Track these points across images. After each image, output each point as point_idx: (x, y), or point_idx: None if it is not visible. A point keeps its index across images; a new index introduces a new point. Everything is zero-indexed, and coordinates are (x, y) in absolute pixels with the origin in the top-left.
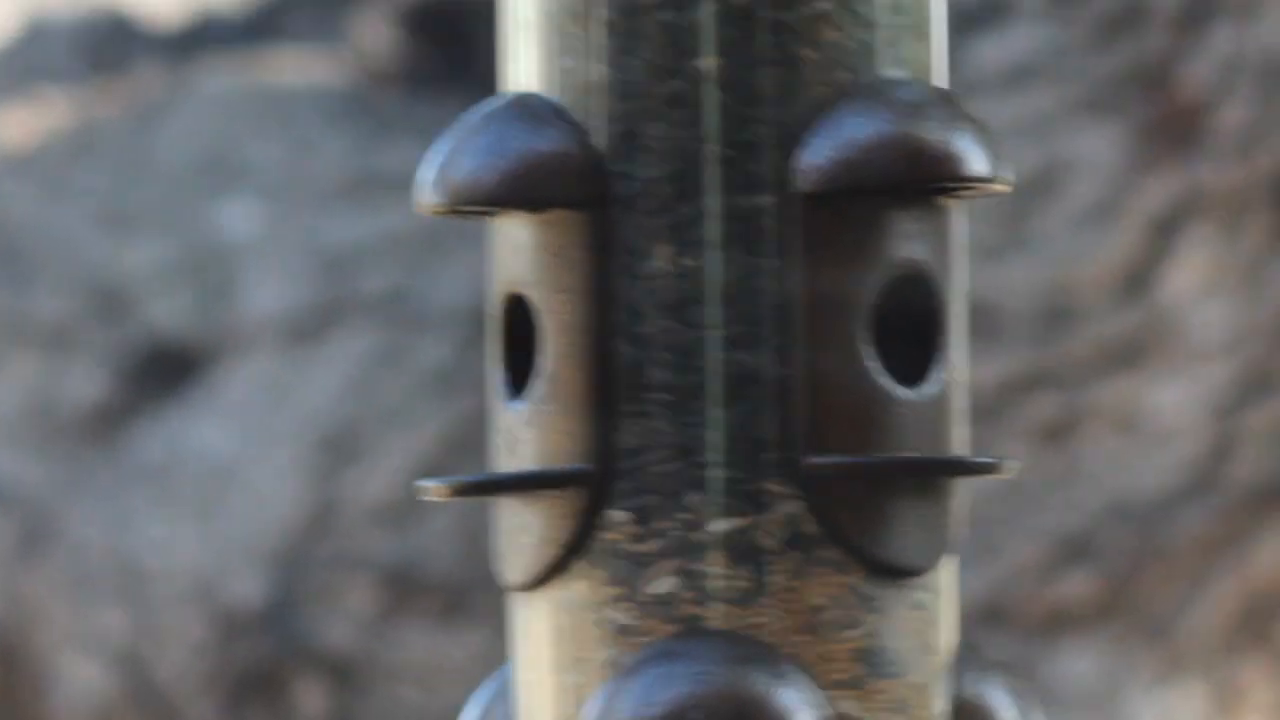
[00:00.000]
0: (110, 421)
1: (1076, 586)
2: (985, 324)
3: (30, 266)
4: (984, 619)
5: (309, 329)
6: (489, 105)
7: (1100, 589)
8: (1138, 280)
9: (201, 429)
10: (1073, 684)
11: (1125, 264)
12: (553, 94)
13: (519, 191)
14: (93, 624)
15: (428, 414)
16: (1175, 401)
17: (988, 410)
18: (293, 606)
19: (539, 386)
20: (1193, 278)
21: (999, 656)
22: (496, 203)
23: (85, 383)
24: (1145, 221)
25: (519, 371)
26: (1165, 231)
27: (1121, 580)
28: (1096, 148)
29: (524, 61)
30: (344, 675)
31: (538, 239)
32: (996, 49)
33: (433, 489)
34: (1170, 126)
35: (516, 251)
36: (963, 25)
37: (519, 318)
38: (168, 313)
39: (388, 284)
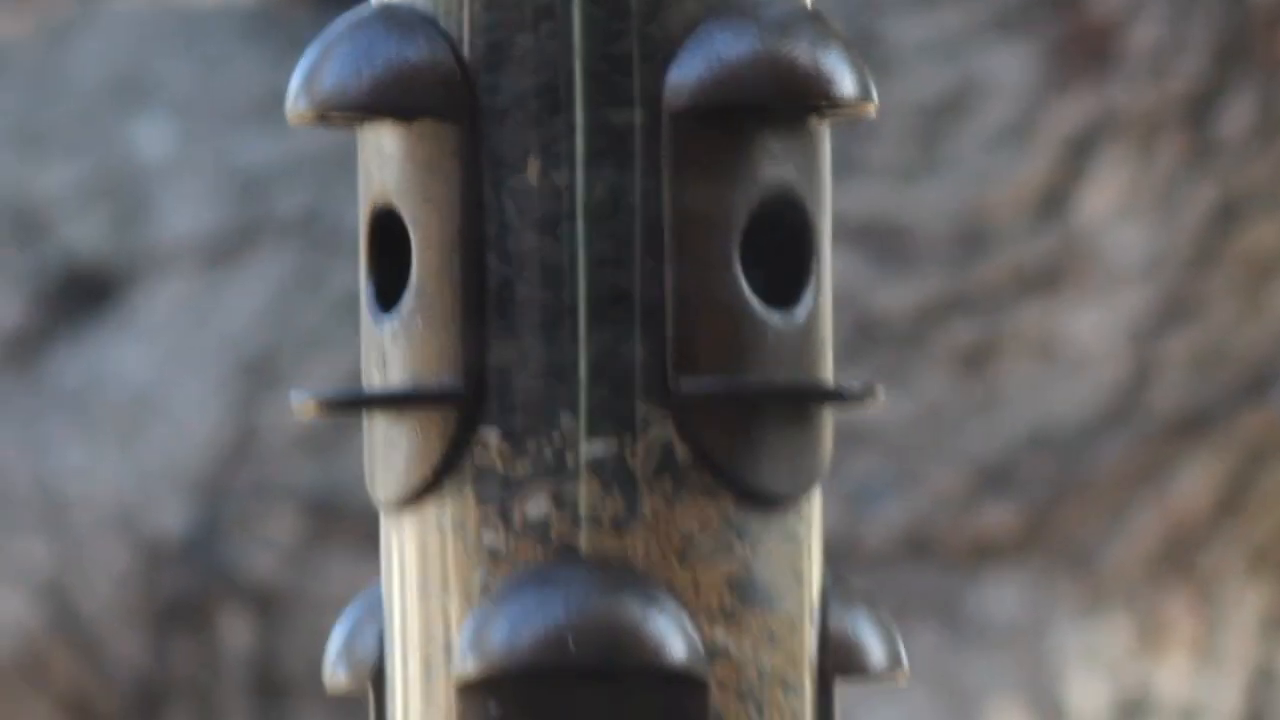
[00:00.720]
0: (27, 346)
1: (998, 516)
2: (900, 248)
3: None
4: (906, 550)
5: (226, 251)
6: (356, 13)
7: (1022, 519)
8: (1053, 203)
9: (120, 353)
10: (997, 615)
11: (1040, 186)
12: (421, 2)
13: (387, 100)
14: (14, 553)
15: (347, 337)
16: (1093, 327)
17: (904, 336)
18: (216, 535)
19: (408, 301)
20: (1108, 200)
21: (861, 585)
22: (364, 111)
23: (1, 307)
24: (1059, 143)
25: (389, 286)
26: (1079, 153)
27: (1043, 510)
28: (1008, 68)
29: None
30: (268, 605)
31: (406, 149)
32: None
33: (301, 404)
34: (1082, 46)
35: (384, 163)
36: None
37: (388, 231)
38: (83, 235)
39: (303, 204)
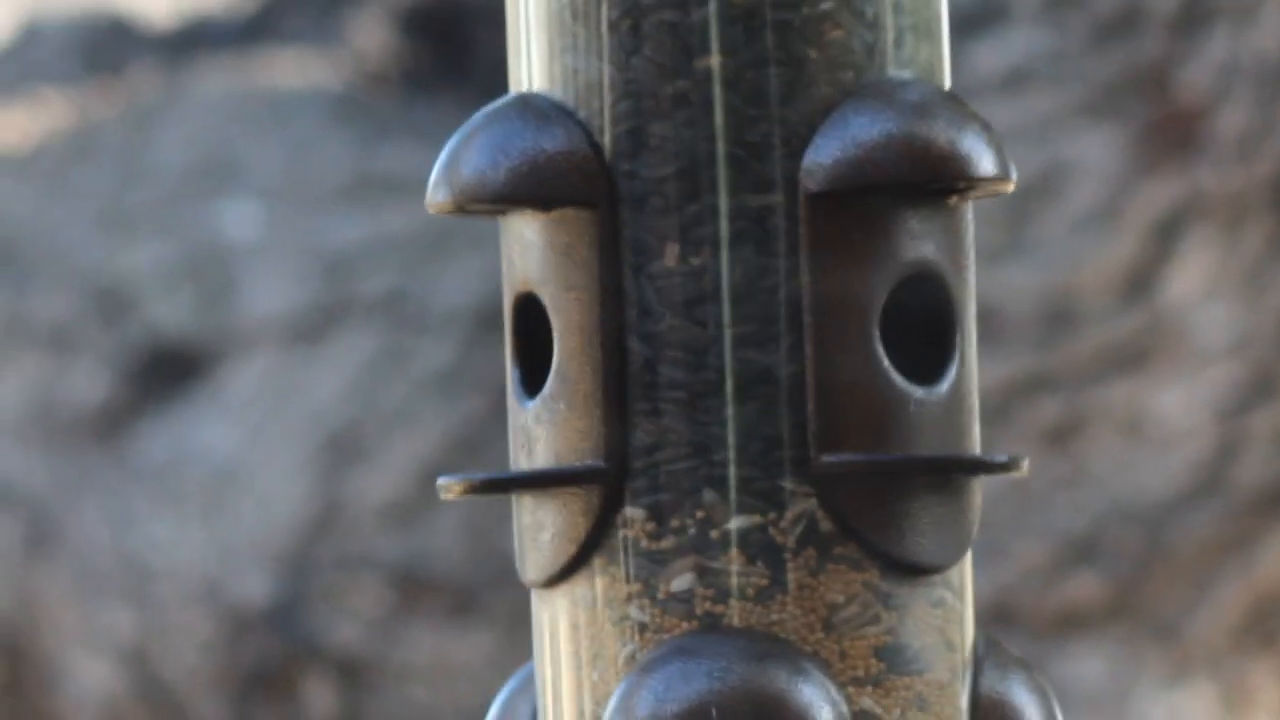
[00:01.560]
0: (113, 422)
1: (1084, 588)
2: (988, 327)
3: (30, 268)
4: (992, 621)
5: (310, 330)
6: (494, 105)
7: (1108, 590)
8: (1139, 284)
9: (205, 429)
10: (1082, 685)
11: (1127, 267)
12: (557, 93)
13: (526, 189)
14: (99, 623)
15: (430, 415)
16: (1179, 404)
17: (992, 413)
18: (299, 606)
19: (551, 385)
20: (1194, 281)
21: (1020, 653)
22: (504, 201)
23: (88, 383)
24: (1146, 225)
25: (532, 370)
26: (1166, 235)
27: (1129, 582)
28: (1096, 152)
29: (529, 61)
30: (352, 675)
31: (546, 237)
32: (994, 52)
33: (449, 486)
34: (1169, 130)
35: (525, 250)
36: (961, 28)
37: (530, 317)
38: (169, 313)
39: (388, 285)
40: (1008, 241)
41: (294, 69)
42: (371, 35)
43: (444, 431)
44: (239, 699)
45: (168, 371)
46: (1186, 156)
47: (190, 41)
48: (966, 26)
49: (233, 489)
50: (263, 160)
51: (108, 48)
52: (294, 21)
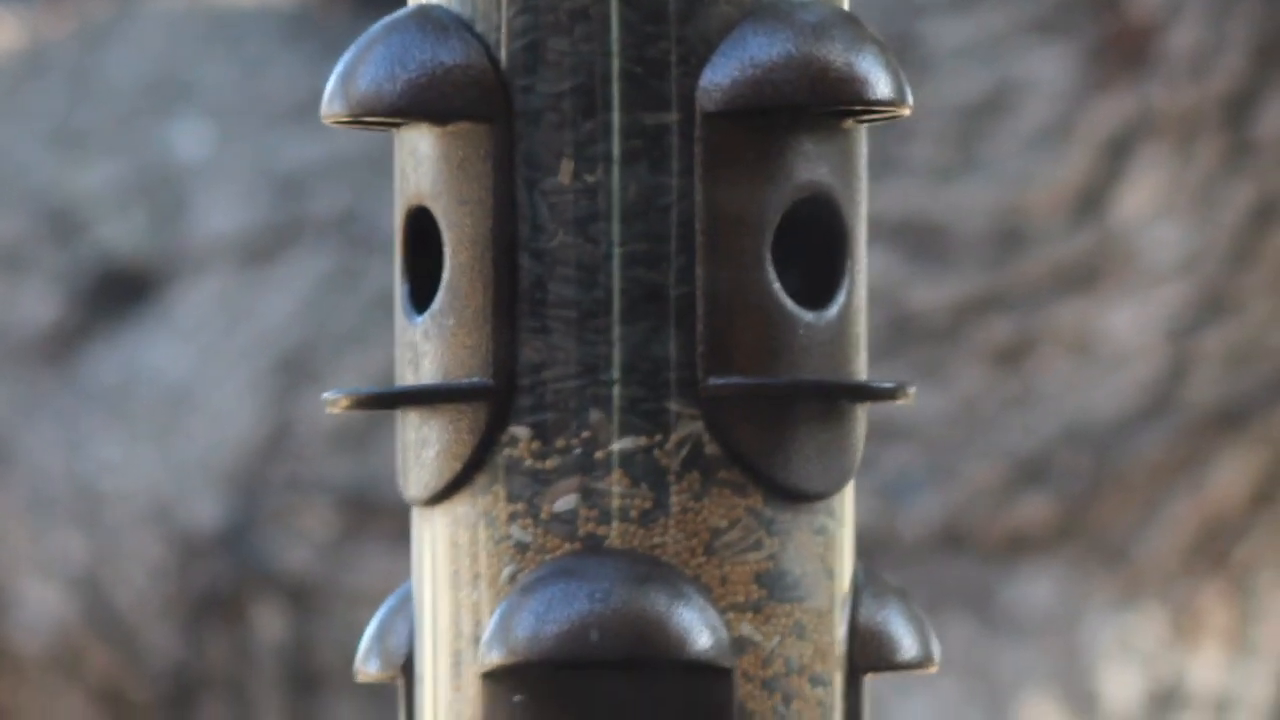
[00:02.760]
0: (64, 343)
1: (1033, 510)
2: (938, 246)
3: None
4: (942, 543)
5: (262, 250)
6: (393, 16)
7: (1057, 512)
8: (1090, 202)
9: (156, 351)
10: (1031, 608)
11: (1078, 186)
12: (456, 6)
13: (423, 102)
14: (51, 547)
15: (382, 335)
16: (1130, 324)
17: (942, 333)
18: (250, 530)
19: (441, 299)
20: (1145, 199)
21: (894, 579)
22: (399, 113)
23: (38, 304)
24: (1097, 143)
25: (422, 285)
26: (1117, 153)
27: (1078, 503)
28: (1047, 69)
29: None
30: (301, 598)
31: (441, 150)
32: None
33: (334, 400)
34: (1121, 47)
35: (419, 163)
36: None
37: (422, 231)
38: (120, 234)
39: (339, 205)
40: (958, 159)
41: None
42: None
43: (394, 354)
44: (189, 623)
45: (119, 292)
46: (1138, 74)
47: None
48: None
49: (184, 411)
50: (214, 79)
51: None
52: None
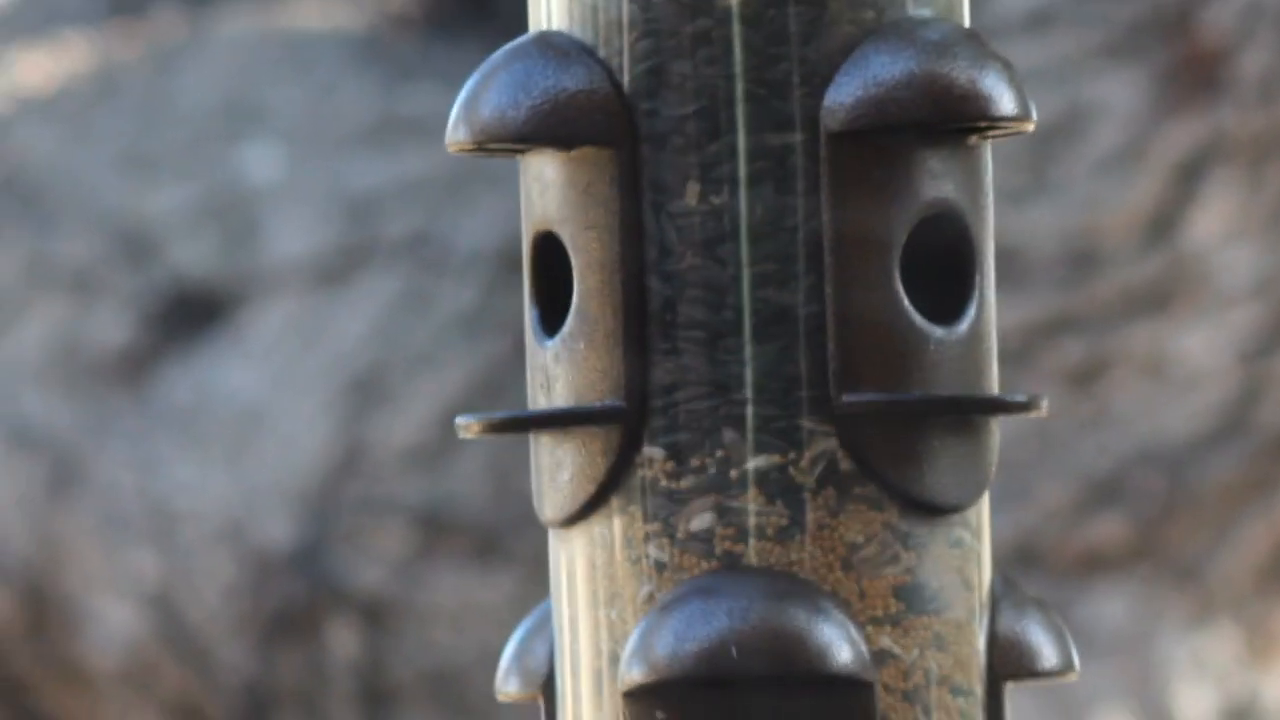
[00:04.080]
0: (137, 365)
1: (1107, 530)
2: (1011, 269)
3: (53, 211)
4: (1015, 562)
5: (333, 272)
6: (514, 43)
7: (1130, 532)
8: (1162, 225)
9: (228, 372)
10: (1105, 627)
11: (1150, 209)
12: (578, 31)
13: (547, 128)
14: (124, 566)
15: (454, 356)
16: (1202, 346)
17: (1014, 355)
18: (323, 549)
19: (571, 323)
20: (1217, 223)
21: (1036, 593)
22: (524, 140)
23: (111, 326)
24: (1168, 167)
25: (551, 310)
26: (1189, 177)
27: (1151, 524)
28: (1119, 93)
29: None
30: (375, 617)
31: (566, 176)
32: None
33: (467, 425)
34: (1192, 71)
35: (545, 189)
36: None
37: (549, 256)
38: (192, 256)
39: (411, 227)
40: (1031, 182)
41: (316, 10)
42: None
43: (467, 373)
44: (263, 642)
45: (191, 314)
46: (1209, 97)
47: None
48: None
49: (256, 432)
50: (285, 102)
51: None
52: None
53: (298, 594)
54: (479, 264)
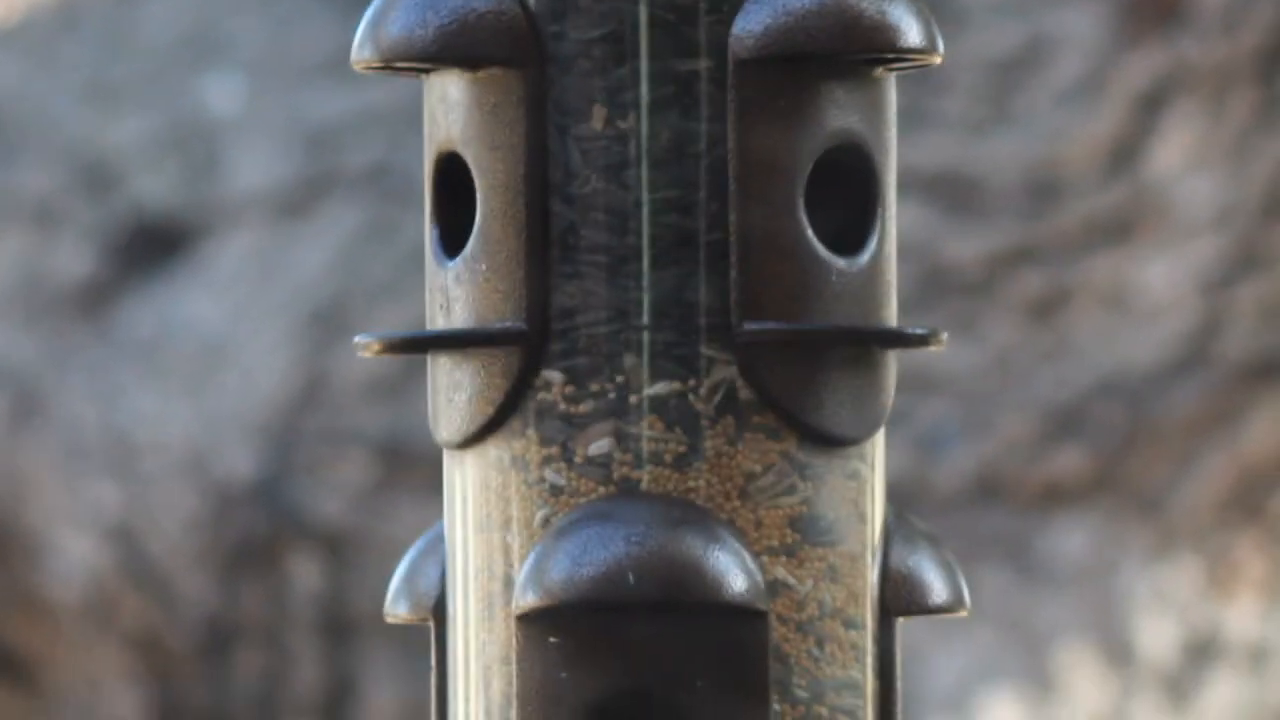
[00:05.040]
0: (99, 296)
1: (1068, 462)
2: (971, 199)
3: (14, 141)
4: (977, 493)
5: (295, 204)
6: None
7: (1091, 464)
8: (1124, 156)
9: (190, 303)
10: (1066, 559)
11: (1111, 140)
12: None
13: (455, 49)
14: (85, 498)
15: (415, 287)
16: (1164, 277)
17: (975, 286)
18: (284, 480)
19: (473, 244)
20: (1178, 153)
21: (924, 524)
22: (431, 60)
23: (73, 257)
24: (1130, 97)
25: (454, 230)
26: (1150, 107)
27: (1113, 456)
28: (1079, 23)
29: None
30: (336, 547)
31: (472, 97)
32: None
33: (366, 344)
34: (1153, 2)
35: (450, 110)
36: None
37: (453, 177)
38: (154, 187)
39: (372, 158)
40: (992, 113)
41: None
42: None
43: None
44: (224, 573)
45: (152, 246)
46: (1170, 28)
47: None
48: None
49: (218, 363)
50: (246, 33)
51: None
52: None
53: (259, 525)
54: None
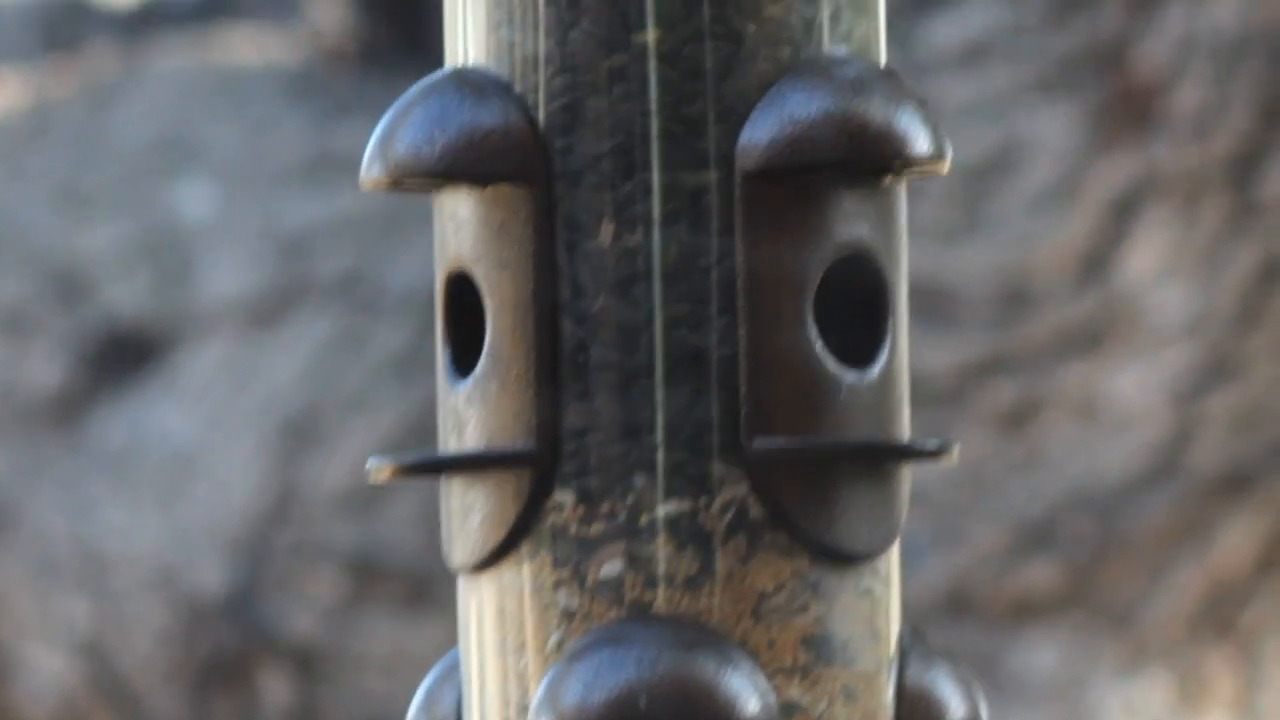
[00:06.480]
0: (70, 406)
1: (1039, 575)
2: (943, 308)
3: None
4: (947, 608)
5: (267, 313)
6: (430, 79)
7: (1063, 578)
8: (1095, 263)
9: (162, 414)
10: (1037, 674)
11: (1083, 247)
12: (494, 67)
13: (461, 165)
14: (55, 612)
15: (387, 398)
16: (1135, 387)
17: (947, 396)
18: (256, 594)
19: (483, 364)
20: (1151, 260)
21: (944, 644)
22: (439, 176)
23: (44, 367)
24: (1102, 203)
25: (464, 350)
26: (1122, 213)
27: (1084, 569)
28: (1052, 129)
29: (465, 33)
30: (308, 663)
31: (481, 214)
32: (951, 28)
33: (378, 469)
34: (1126, 107)
35: (459, 228)
36: (918, 4)
37: (463, 296)
38: (126, 296)
39: (345, 267)
40: (964, 220)
41: (251, 46)
42: (329, 12)
43: (401, 415)
44: (195, 689)
45: (124, 355)
46: (1143, 133)
47: (147, 19)
48: (924, 1)
49: (189, 475)
50: (220, 139)
51: (65, 25)
52: None
53: (230, 641)
54: (412, 304)
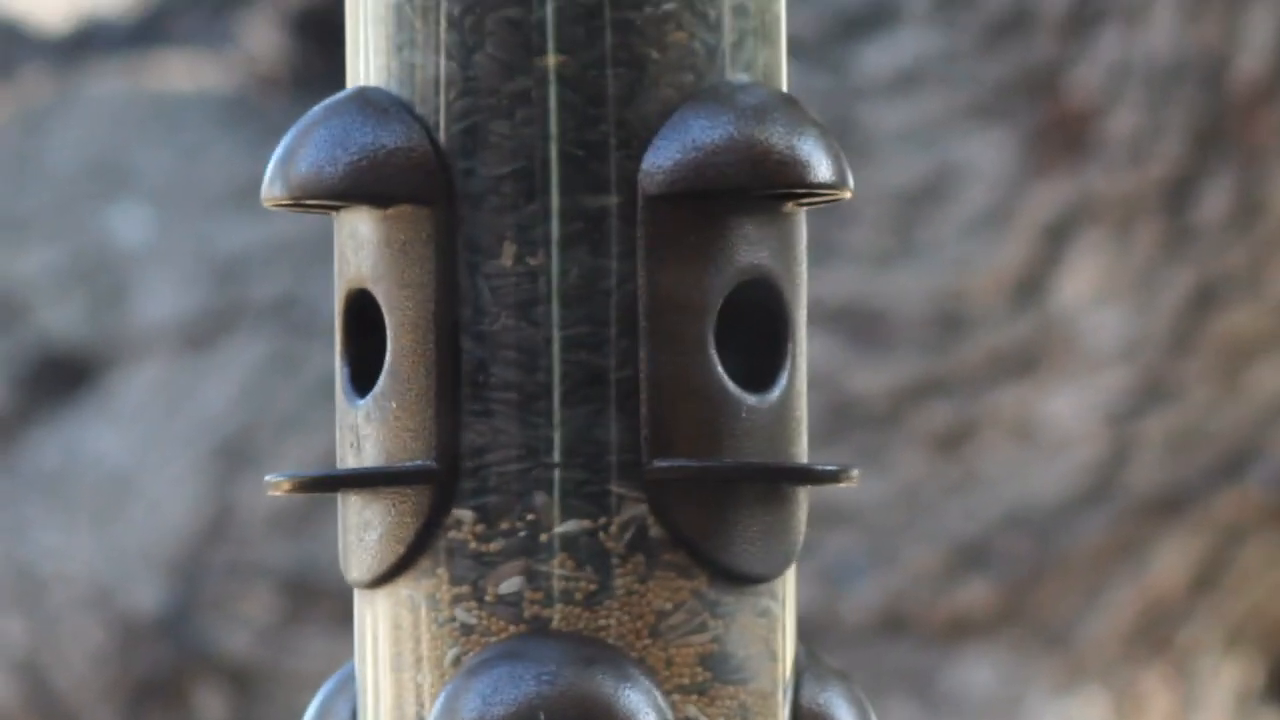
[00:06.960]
0: (5, 428)
1: (975, 594)
2: (878, 331)
3: None
4: (883, 627)
5: (201, 336)
6: (332, 99)
7: (999, 597)
8: (1030, 287)
9: (96, 436)
10: (973, 693)
11: (1017, 271)
12: (397, 89)
13: (364, 185)
14: None
15: (321, 419)
16: (1070, 409)
17: (882, 418)
18: (191, 614)
19: (383, 383)
20: (1085, 285)
21: (835, 662)
22: (339, 196)
23: None
24: (1036, 228)
25: (363, 369)
26: (1057, 238)
27: (1020, 588)
28: (986, 154)
29: (367, 55)
30: (243, 682)
31: (382, 234)
32: (884, 53)
33: (277, 484)
34: (1059, 133)
35: (360, 247)
36: (851, 29)
37: (363, 314)
38: (61, 319)
39: (279, 290)
40: (898, 245)
41: (185, 72)
42: (262, 38)
43: (334, 437)
44: (131, 707)
45: (58, 378)
46: (1077, 159)
47: (81, 44)
48: (856, 27)
49: (124, 496)
50: (154, 164)
51: None
52: (184, 24)
53: (165, 659)
54: None
